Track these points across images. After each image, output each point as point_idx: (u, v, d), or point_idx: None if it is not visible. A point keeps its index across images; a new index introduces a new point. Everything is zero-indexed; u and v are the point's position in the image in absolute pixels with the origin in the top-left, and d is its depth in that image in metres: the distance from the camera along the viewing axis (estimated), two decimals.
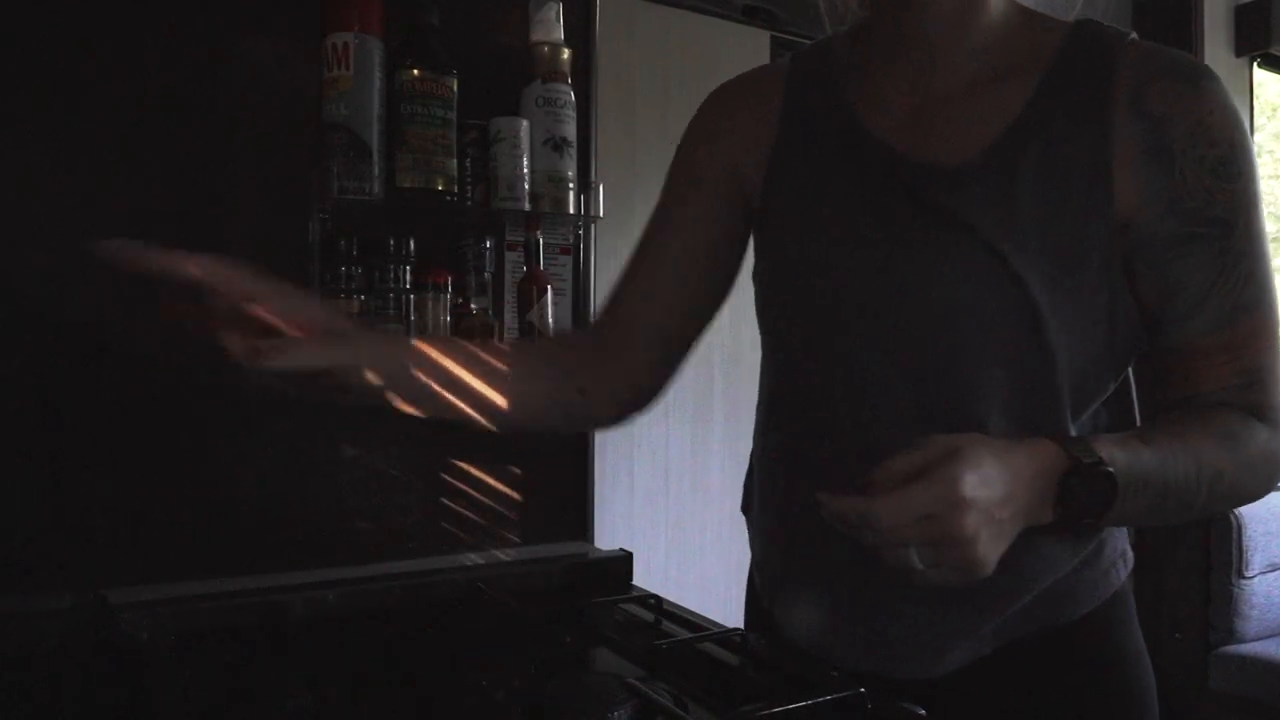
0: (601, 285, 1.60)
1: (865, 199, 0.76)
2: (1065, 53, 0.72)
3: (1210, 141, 0.68)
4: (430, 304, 1.36)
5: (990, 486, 0.57)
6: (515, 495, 1.51)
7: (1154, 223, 0.69)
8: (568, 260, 1.57)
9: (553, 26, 1.47)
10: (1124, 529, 0.80)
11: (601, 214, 1.49)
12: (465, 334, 1.40)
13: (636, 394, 0.92)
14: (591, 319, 1.54)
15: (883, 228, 0.74)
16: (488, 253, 1.45)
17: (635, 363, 0.89)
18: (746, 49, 1.84)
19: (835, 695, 0.75)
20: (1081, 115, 0.70)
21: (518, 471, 1.51)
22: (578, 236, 1.57)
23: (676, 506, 1.74)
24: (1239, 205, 0.68)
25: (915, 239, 0.72)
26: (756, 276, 0.85)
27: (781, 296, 0.82)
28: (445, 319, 1.37)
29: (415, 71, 1.32)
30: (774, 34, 1.85)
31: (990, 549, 0.58)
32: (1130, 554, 0.81)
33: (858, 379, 0.75)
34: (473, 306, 1.41)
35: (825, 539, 0.66)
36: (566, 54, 1.47)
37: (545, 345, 1.03)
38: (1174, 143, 0.68)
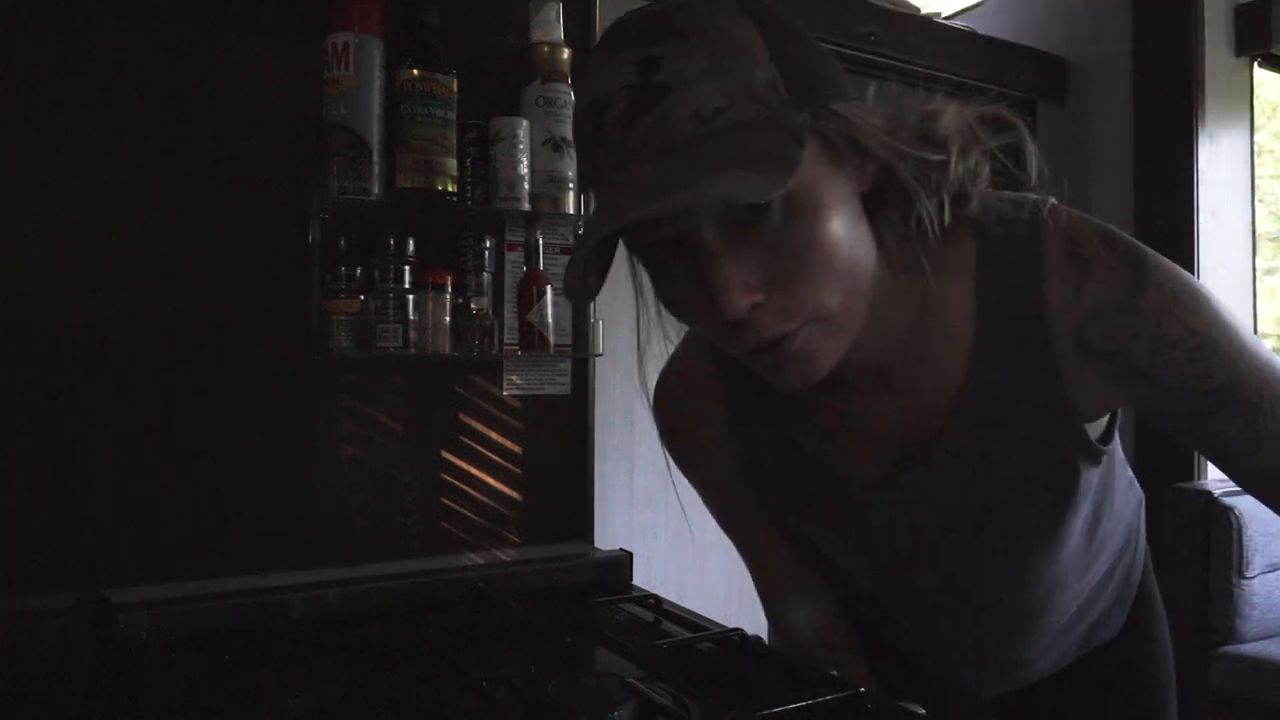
0: None
1: (822, 510, 0.78)
2: (991, 282, 0.65)
3: (1172, 344, 0.62)
4: (430, 304, 1.36)
5: None
6: (515, 495, 1.51)
7: (1158, 415, 0.67)
8: (568, 260, 1.57)
9: (553, 26, 1.47)
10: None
11: None
12: (465, 334, 1.40)
13: None
14: (591, 321, 1.54)
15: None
16: (488, 253, 1.45)
17: None
18: None
19: (835, 695, 0.75)
20: (1024, 363, 0.65)
21: (518, 472, 1.51)
22: (578, 237, 1.57)
23: (676, 506, 1.73)
24: (1228, 354, 0.63)
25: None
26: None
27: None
28: (445, 319, 1.38)
29: (415, 71, 1.32)
30: None
31: None
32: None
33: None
34: (473, 307, 1.41)
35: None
36: (567, 54, 1.47)
37: None
38: (1140, 363, 0.63)
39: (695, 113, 0.53)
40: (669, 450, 0.92)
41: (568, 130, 1.45)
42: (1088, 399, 0.66)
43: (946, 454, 0.68)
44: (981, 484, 0.69)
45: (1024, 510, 0.70)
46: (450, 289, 1.38)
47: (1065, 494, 0.69)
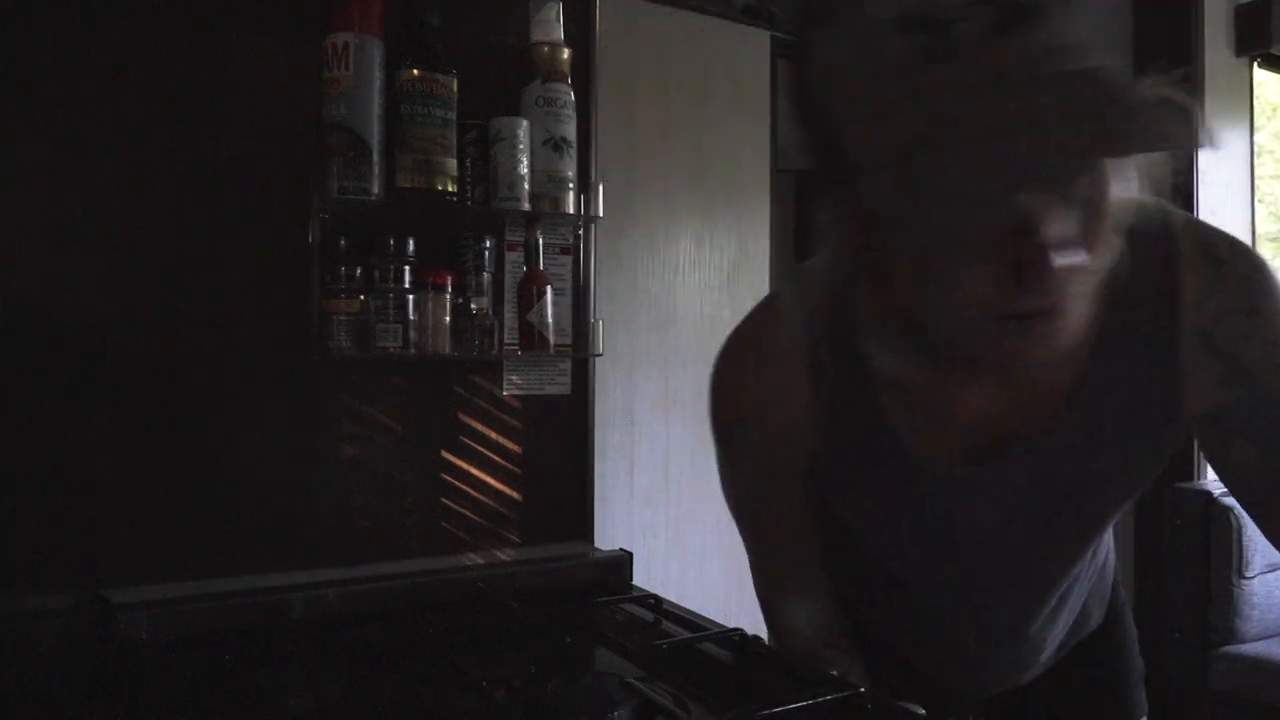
0: (601, 285, 1.60)
1: (915, 512, 0.77)
2: (1125, 283, 0.65)
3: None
4: (430, 304, 1.36)
5: None
6: (515, 495, 1.51)
7: (1242, 425, 0.66)
8: (568, 260, 1.57)
9: (553, 26, 1.47)
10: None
11: (601, 214, 1.49)
12: (465, 334, 1.40)
13: None
14: (591, 321, 1.54)
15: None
16: (488, 253, 1.45)
17: None
18: (746, 49, 1.84)
19: (835, 695, 0.75)
20: (1149, 362, 0.66)
21: (518, 472, 1.51)
22: (578, 236, 1.57)
23: (676, 507, 1.74)
24: None
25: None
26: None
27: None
28: (445, 319, 1.38)
29: (415, 71, 1.32)
30: (774, 34, 1.85)
31: None
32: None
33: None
34: (473, 306, 1.41)
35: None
36: (567, 54, 1.47)
37: None
38: (1251, 366, 0.64)
39: (1062, 45, 0.49)
40: (721, 413, 0.82)
41: (568, 130, 1.45)
42: (1195, 400, 0.66)
43: (1031, 450, 0.68)
44: (1068, 479, 0.69)
45: (1102, 504, 0.71)
46: (450, 289, 1.38)
47: (1138, 488, 0.71)
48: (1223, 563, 2.24)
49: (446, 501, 1.45)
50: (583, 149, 1.52)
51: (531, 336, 1.45)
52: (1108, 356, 0.66)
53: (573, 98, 1.46)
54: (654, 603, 1.13)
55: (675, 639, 0.98)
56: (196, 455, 1.26)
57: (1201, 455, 0.71)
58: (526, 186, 1.42)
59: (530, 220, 1.48)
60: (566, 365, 1.56)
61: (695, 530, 1.75)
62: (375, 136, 1.29)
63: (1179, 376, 0.65)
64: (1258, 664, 2.16)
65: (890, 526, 0.79)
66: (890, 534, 0.80)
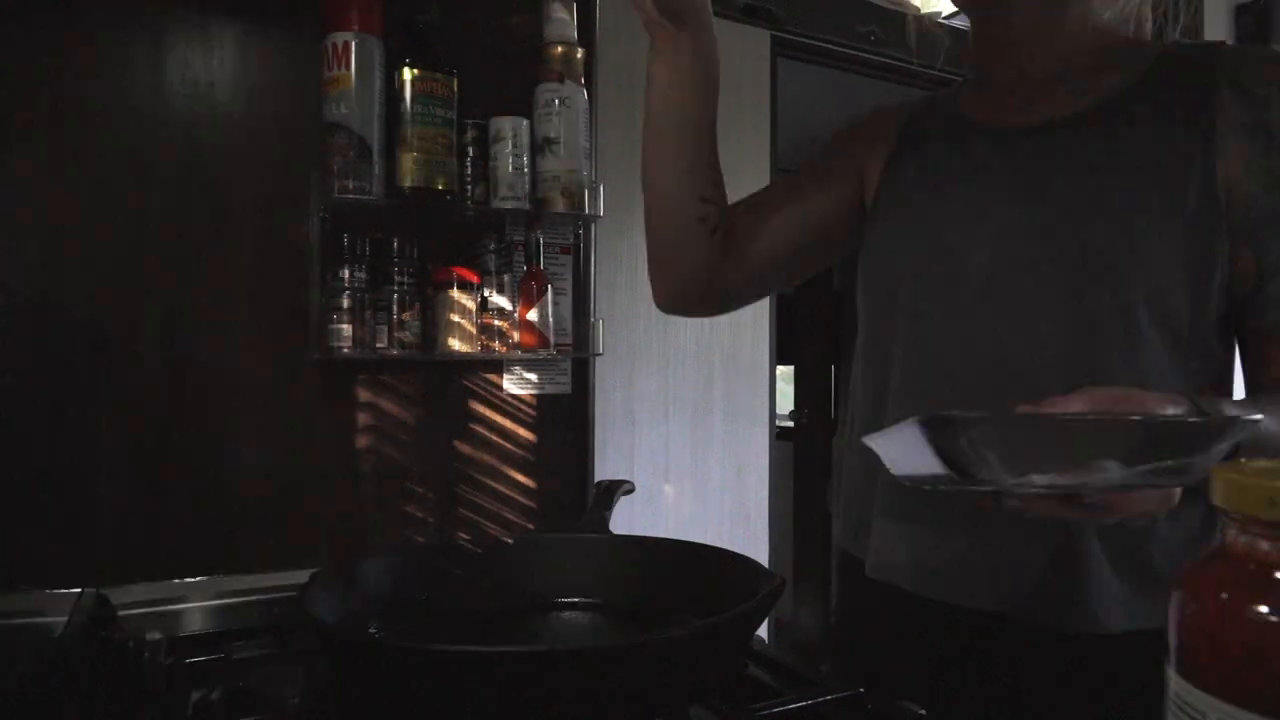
0: (601, 285, 1.60)
1: (965, 166, 0.79)
2: (1162, 59, 0.74)
3: None
4: (430, 303, 1.36)
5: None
6: (516, 495, 1.51)
7: (1252, 199, 0.69)
8: (568, 260, 1.57)
9: (565, 26, 1.46)
10: None
11: (601, 214, 1.49)
12: (465, 333, 1.40)
13: (737, 274, 0.90)
14: (591, 320, 1.54)
15: (1000, 182, 0.76)
16: (488, 252, 1.45)
17: (748, 252, 0.90)
18: (746, 48, 1.84)
19: (835, 695, 0.75)
20: (1185, 89, 0.71)
21: (519, 471, 1.51)
22: (578, 236, 1.57)
23: (676, 506, 1.74)
24: None
25: (1036, 173, 0.74)
26: (867, 264, 0.86)
27: (905, 274, 0.81)
28: (445, 319, 1.38)
29: (415, 71, 1.32)
30: (774, 33, 1.85)
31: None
32: None
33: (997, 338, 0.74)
34: (472, 306, 1.41)
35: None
36: (580, 53, 1.47)
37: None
38: (1273, 120, 0.68)
39: None
40: (812, 156, 0.93)
41: (571, 130, 1.45)
42: (1221, 145, 0.69)
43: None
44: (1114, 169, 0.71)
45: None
46: (452, 288, 1.38)
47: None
48: None
49: (446, 501, 1.45)
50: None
51: (532, 336, 1.45)
52: (1144, 86, 0.73)
53: (582, 96, 1.46)
54: None
55: None
56: (197, 455, 1.26)
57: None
58: (526, 186, 1.42)
59: (530, 220, 1.48)
60: (567, 364, 1.56)
61: (695, 530, 1.75)
62: (375, 136, 1.30)
63: (1211, 108, 0.69)
64: None
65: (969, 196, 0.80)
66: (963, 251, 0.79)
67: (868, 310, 0.86)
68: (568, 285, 1.57)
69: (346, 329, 1.30)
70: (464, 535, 1.45)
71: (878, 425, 0.81)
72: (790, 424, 4.09)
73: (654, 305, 0.92)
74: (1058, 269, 0.71)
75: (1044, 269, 0.71)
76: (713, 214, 0.86)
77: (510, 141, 1.40)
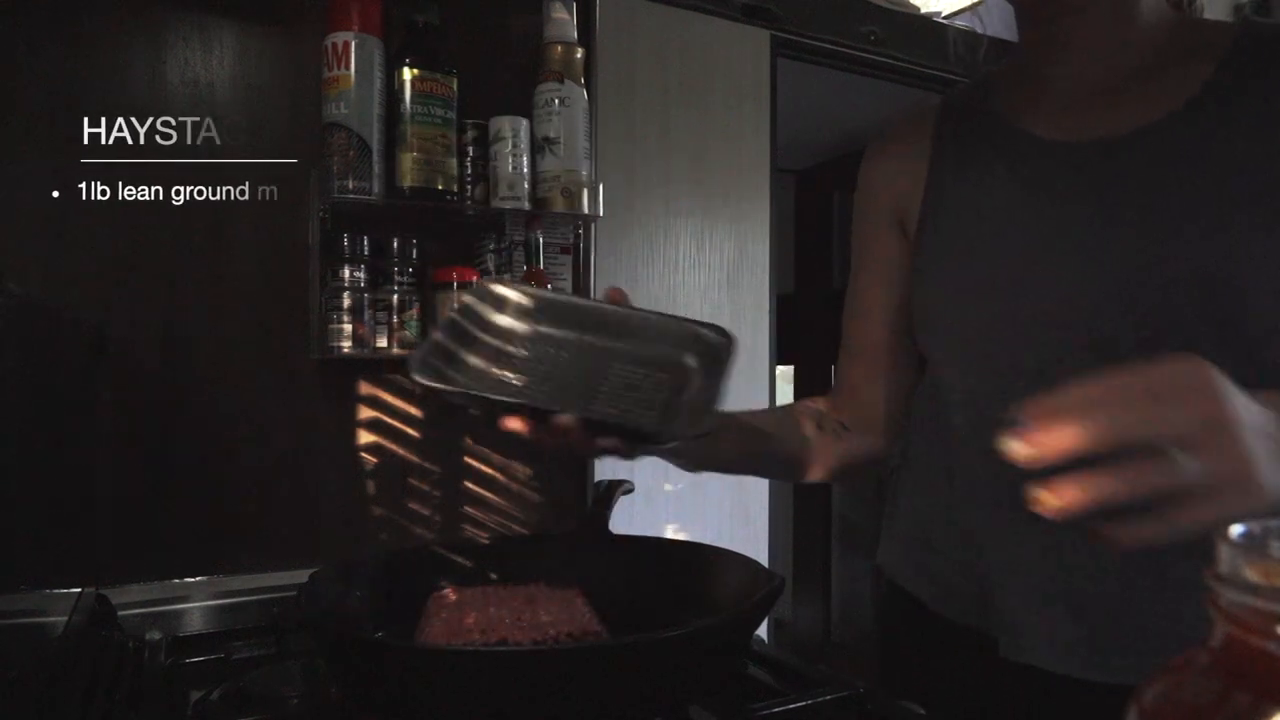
0: (601, 284, 1.60)
1: (1026, 189, 0.73)
2: (1240, 40, 0.67)
3: None
4: (431, 303, 1.36)
5: (1250, 411, 0.44)
6: (516, 495, 1.51)
7: None
8: (568, 260, 1.57)
9: (565, 26, 1.46)
10: None
11: (601, 214, 1.49)
12: None
13: (888, 419, 0.90)
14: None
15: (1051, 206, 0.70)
16: (488, 252, 1.45)
17: (877, 394, 0.90)
18: (746, 49, 1.84)
19: (835, 695, 0.75)
20: (1272, 84, 0.65)
21: (518, 472, 1.51)
22: (577, 236, 1.57)
23: (676, 506, 1.74)
24: None
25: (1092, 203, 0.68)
26: (920, 301, 0.82)
27: (970, 318, 0.77)
28: (446, 318, 1.38)
29: (415, 71, 1.32)
30: (774, 33, 1.85)
31: (1272, 469, 0.42)
32: None
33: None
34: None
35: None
36: (580, 53, 1.47)
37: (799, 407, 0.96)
38: None
39: None
40: (857, 202, 0.90)
41: (571, 130, 1.45)
42: None
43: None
44: (1198, 191, 0.65)
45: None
46: (452, 288, 1.38)
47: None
48: None
49: (446, 501, 1.45)
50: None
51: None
52: (1219, 88, 0.66)
53: (582, 96, 1.46)
54: None
55: None
56: (197, 454, 1.26)
57: None
58: (526, 186, 1.42)
59: (530, 220, 1.48)
60: None
61: (695, 530, 1.75)
62: (375, 136, 1.30)
63: None
64: None
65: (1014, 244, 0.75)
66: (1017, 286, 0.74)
67: (931, 350, 0.83)
68: (568, 285, 1.57)
69: (347, 328, 1.30)
70: (464, 535, 1.45)
71: (948, 478, 0.78)
72: None
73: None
74: (1148, 294, 0.64)
75: (1134, 295, 0.65)
76: (830, 426, 0.90)
77: (510, 141, 1.40)
